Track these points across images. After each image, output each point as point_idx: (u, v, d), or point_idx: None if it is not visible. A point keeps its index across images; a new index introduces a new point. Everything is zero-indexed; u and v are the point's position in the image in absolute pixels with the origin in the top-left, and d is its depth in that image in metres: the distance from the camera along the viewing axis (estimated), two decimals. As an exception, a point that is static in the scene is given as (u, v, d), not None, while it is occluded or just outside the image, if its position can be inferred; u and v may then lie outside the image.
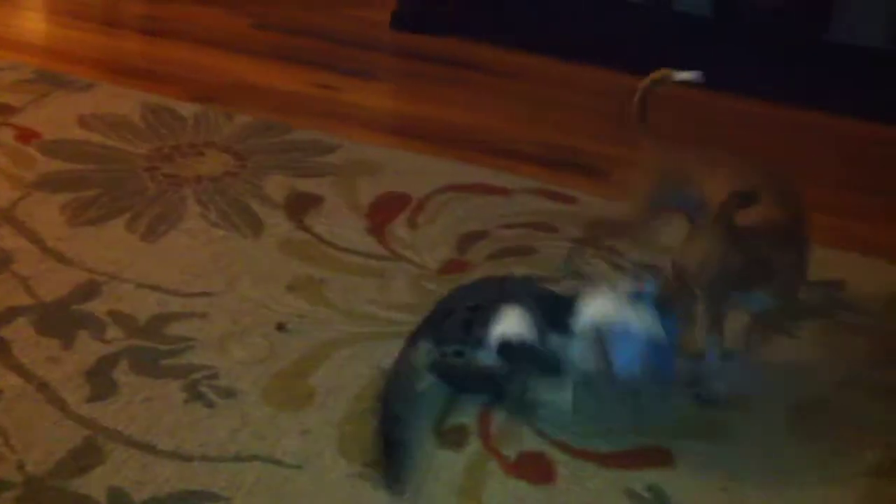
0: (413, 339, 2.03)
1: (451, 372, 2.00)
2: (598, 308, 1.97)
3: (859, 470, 1.97)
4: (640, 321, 1.92)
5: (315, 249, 2.52)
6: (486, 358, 1.96)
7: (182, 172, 2.84)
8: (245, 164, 2.90)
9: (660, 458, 1.96)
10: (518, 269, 2.51)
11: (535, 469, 1.90)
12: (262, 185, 2.79)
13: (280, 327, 2.19)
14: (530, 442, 1.97)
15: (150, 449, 1.87)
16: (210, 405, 1.99)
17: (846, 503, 1.89)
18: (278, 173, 2.86)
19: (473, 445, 1.94)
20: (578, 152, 3.21)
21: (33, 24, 4.06)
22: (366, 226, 2.64)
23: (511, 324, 1.95)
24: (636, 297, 1.97)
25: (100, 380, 2.04)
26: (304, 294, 2.34)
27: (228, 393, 2.02)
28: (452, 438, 1.96)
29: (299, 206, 2.70)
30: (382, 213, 2.70)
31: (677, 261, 1.94)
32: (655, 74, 2.29)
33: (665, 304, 1.95)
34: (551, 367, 1.97)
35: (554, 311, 2.00)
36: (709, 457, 1.97)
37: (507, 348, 1.95)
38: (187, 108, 3.21)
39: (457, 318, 2.02)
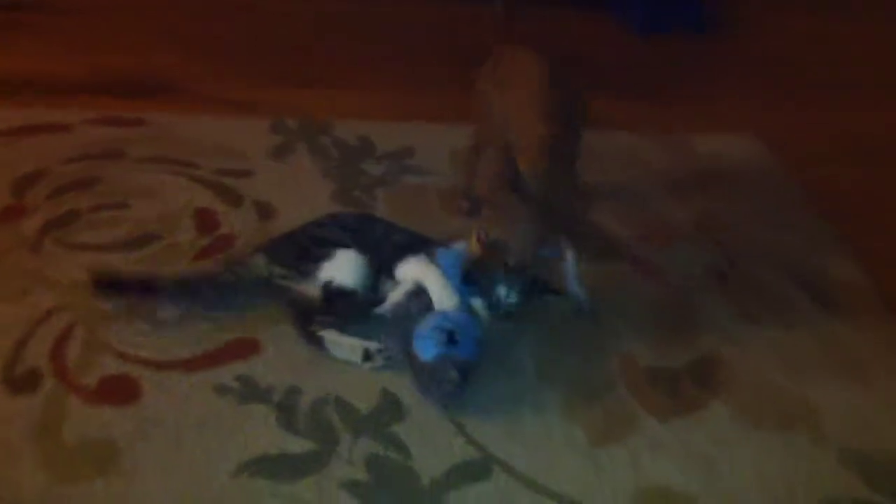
0: (255, 248, 2.10)
1: (272, 290, 2.03)
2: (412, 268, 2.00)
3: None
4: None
5: None
6: (307, 289, 1.98)
7: None
8: None
9: (247, 348, 1.97)
10: (83, 200, 2.38)
11: (118, 391, 1.84)
12: None
13: None
14: (111, 366, 1.89)
15: None
16: None
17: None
18: None
19: (49, 384, 1.84)
20: (139, 75, 3.09)
21: None
22: None
23: (341, 269, 1.98)
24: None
25: None
26: None
27: None
28: (25, 383, 1.84)
29: None
30: (-79, 174, 2.45)
31: (491, 238, 1.90)
32: None
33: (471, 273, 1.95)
34: (362, 315, 1.98)
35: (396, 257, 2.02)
36: (292, 340, 2.00)
37: (329, 291, 1.96)
38: None
39: (295, 244, 2.06)
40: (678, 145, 2.93)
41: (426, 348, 1.84)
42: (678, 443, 1.83)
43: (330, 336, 1.95)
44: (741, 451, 1.82)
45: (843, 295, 2.30)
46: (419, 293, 1.95)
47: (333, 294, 1.98)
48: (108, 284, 2.00)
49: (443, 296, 1.92)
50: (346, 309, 1.98)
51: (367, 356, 1.92)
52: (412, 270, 1.99)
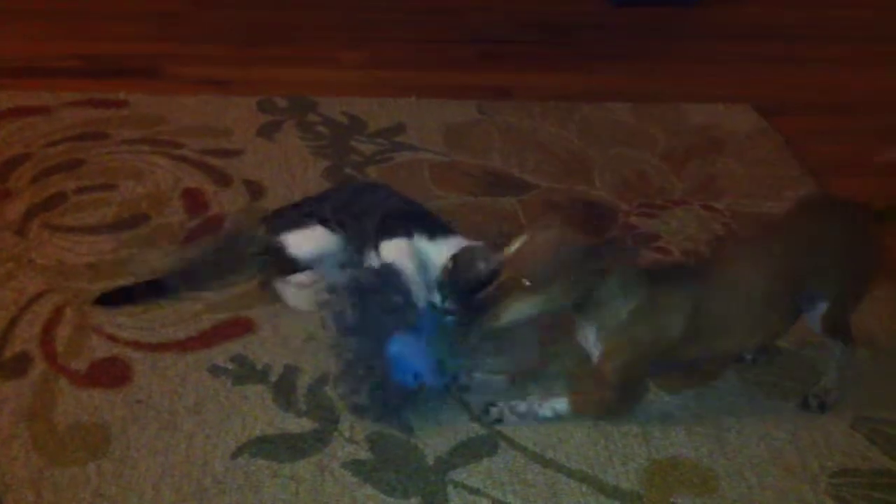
0: (260, 219, 2.03)
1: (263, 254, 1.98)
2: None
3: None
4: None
5: None
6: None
7: None
8: None
9: (241, 328, 1.91)
10: (68, 182, 2.31)
11: (108, 374, 1.78)
12: None
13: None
14: (101, 350, 1.83)
15: None
16: None
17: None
18: None
19: (38, 369, 1.77)
20: (123, 57, 3.03)
21: None
22: None
23: (302, 240, 1.92)
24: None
25: None
26: None
27: None
28: (14, 367, 1.77)
29: None
30: None
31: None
32: None
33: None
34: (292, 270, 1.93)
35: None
36: (287, 318, 1.94)
37: (274, 251, 1.93)
38: None
39: (288, 214, 1.99)
40: (672, 115, 2.89)
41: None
42: (688, 414, 1.78)
43: (285, 287, 1.93)
44: (752, 421, 1.78)
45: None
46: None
47: (276, 253, 1.93)
48: (116, 298, 1.92)
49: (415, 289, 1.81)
50: (282, 268, 1.93)
51: (324, 305, 1.81)
52: (393, 251, 1.89)
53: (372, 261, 1.91)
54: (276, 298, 1.94)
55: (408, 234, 1.90)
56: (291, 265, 1.93)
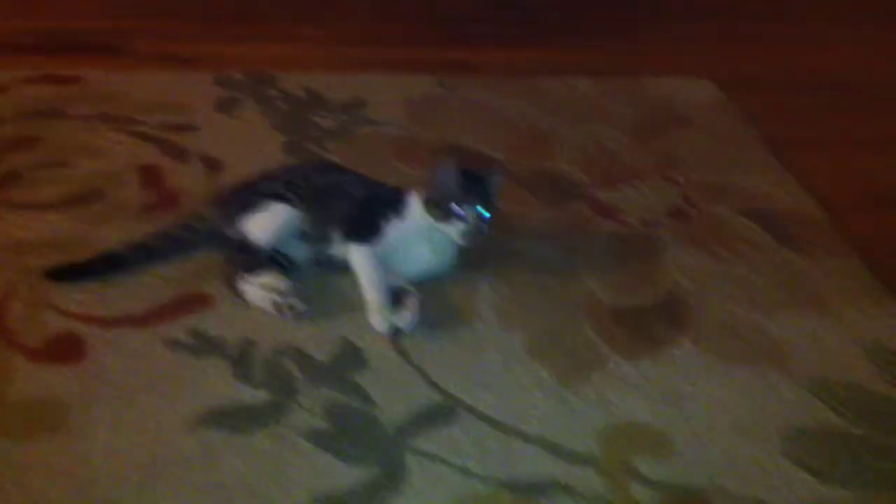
0: (212, 199, 2.05)
1: (223, 241, 1.96)
2: None
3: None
4: None
5: None
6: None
7: None
8: None
9: (198, 302, 1.90)
10: (22, 160, 2.28)
11: (64, 349, 1.76)
12: None
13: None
14: (56, 325, 1.81)
15: None
16: None
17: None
18: None
19: (-8, 346, 1.75)
20: (79, 33, 2.99)
21: None
22: None
23: (261, 223, 1.92)
24: None
25: None
26: None
27: None
28: (-35, 345, 1.75)
29: None
30: None
31: None
32: None
33: None
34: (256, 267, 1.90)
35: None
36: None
37: (234, 244, 1.92)
38: None
39: (241, 196, 1.99)
40: (630, 89, 2.90)
41: None
42: (645, 380, 1.80)
43: (249, 288, 1.88)
44: (708, 386, 1.80)
45: (801, 231, 2.29)
46: None
47: (237, 247, 1.92)
48: (69, 274, 1.90)
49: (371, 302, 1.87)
50: (239, 263, 1.91)
51: (277, 308, 1.85)
52: (353, 259, 1.92)
53: (337, 246, 1.94)
54: (243, 297, 1.90)
55: (374, 235, 1.93)
56: (257, 256, 1.91)
